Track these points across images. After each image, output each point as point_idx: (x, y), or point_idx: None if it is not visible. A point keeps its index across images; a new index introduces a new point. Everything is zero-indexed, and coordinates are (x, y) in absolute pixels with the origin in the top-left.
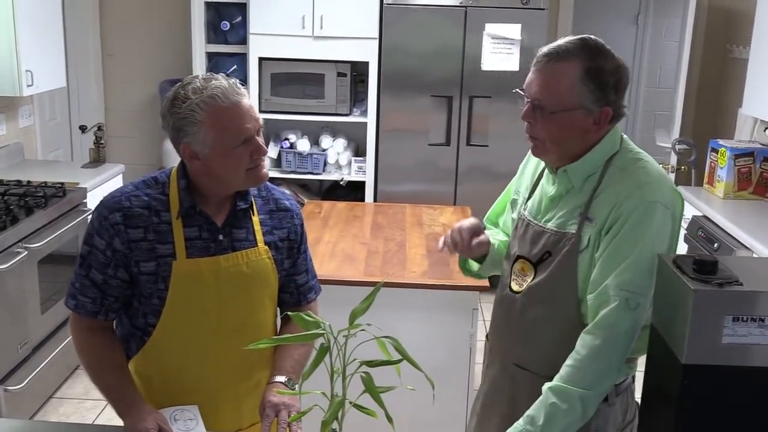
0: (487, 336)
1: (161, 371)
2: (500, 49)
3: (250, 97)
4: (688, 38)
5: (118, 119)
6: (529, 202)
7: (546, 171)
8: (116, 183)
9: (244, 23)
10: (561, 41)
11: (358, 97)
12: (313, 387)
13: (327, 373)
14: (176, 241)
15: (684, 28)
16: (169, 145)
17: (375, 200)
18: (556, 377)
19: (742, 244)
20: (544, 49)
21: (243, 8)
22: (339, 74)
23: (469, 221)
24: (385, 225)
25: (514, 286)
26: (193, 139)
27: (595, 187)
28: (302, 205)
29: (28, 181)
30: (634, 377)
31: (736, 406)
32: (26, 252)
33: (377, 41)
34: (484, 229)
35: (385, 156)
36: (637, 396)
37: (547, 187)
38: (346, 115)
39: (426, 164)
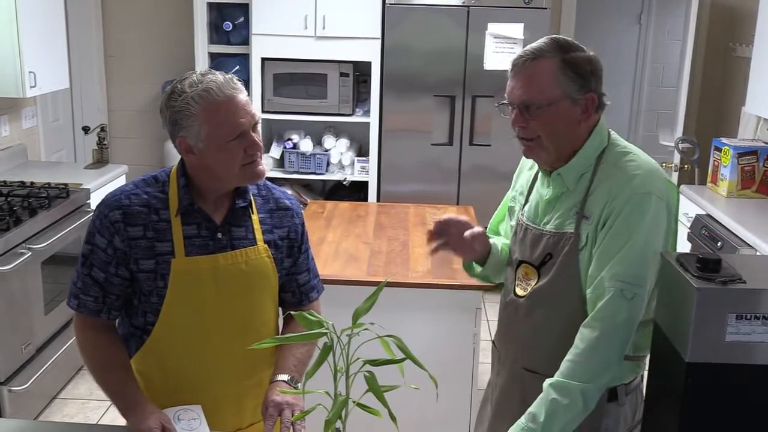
0: (494, 342)
1: (161, 370)
2: (503, 49)
3: (253, 98)
4: (691, 37)
5: (121, 120)
6: (526, 207)
7: (540, 175)
8: (119, 184)
9: (246, 24)
10: (531, 45)
11: (360, 97)
12: (317, 386)
13: (330, 373)
14: (175, 239)
15: (687, 26)
16: (171, 146)
17: (378, 200)
18: (557, 373)
19: (746, 243)
20: (518, 54)
21: (245, 9)
22: (342, 74)
23: (458, 216)
24: (388, 225)
25: (519, 291)
26: (188, 133)
27: (589, 185)
28: (305, 205)
29: (32, 183)
30: (642, 377)
31: (740, 403)
32: (30, 253)
33: (380, 41)
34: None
35: (387, 156)
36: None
37: (542, 191)
38: (348, 115)
39: (429, 164)
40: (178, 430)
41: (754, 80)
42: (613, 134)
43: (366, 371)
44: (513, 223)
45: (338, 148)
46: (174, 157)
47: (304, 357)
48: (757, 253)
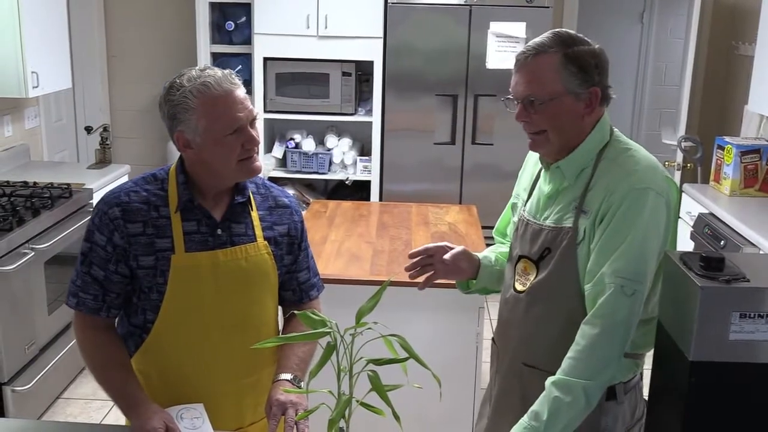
0: (493, 339)
1: (161, 369)
2: (505, 48)
3: (255, 97)
4: (694, 35)
5: (124, 120)
6: (528, 203)
7: (542, 171)
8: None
9: (248, 23)
10: (535, 39)
11: (363, 97)
12: (320, 385)
13: (334, 372)
14: (174, 236)
15: (689, 25)
16: (174, 145)
17: (380, 199)
18: (558, 371)
19: (749, 241)
20: (522, 53)
21: (247, 8)
22: (344, 74)
23: (434, 244)
24: (391, 224)
25: (518, 286)
26: (186, 127)
27: (588, 180)
28: (308, 204)
29: (35, 183)
30: (642, 375)
31: (744, 402)
32: (33, 253)
33: (382, 40)
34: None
35: (390, 155)
36: (645, 393)
37: (544, 186)
38: (351, 114)
39: (431, 163)
40: (181, 429)
41: (757, 78)
42: (616, 131)
43: (369, 370)
44: (515, 219)
45: (340, 148)
46: (176, 157)
47: (306, 356)
48: (761, 252)
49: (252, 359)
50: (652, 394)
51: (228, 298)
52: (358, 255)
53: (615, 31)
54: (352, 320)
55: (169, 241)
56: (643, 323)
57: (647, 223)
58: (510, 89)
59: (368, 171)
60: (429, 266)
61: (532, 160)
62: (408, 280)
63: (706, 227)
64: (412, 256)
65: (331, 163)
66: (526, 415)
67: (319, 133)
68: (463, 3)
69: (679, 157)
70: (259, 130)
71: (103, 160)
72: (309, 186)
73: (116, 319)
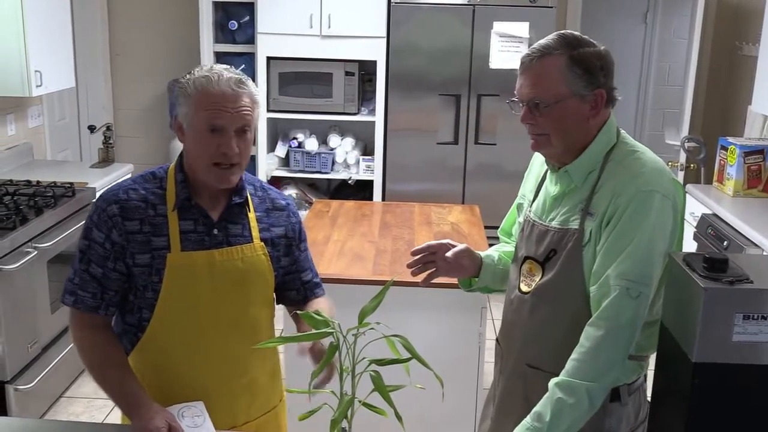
0: (497, 340)
1: (155, 368)
2: (508, 48)
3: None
4: (697, 36)
5: (127, 119)
6: (534, 204)
7: (548, 172)
8: None
9: (252, 22)
10: (540, 41)
11: (366, 96)
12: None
13: (336, 372)
14: (171, 234)
15: (693, 25)
16: (177, 144)
17: (383, 199)
18: (562, 372)
19: (752, 242)
20: (526, 51)
21: (251, 8)
22: (347, 73)
23: (437, 241)
24: (394, 224)
25: (523, 287)
26: (180, 112)
27: (595, 182)
28: (310, 204)
29: (38, 181)
30: (646, 376)
31: (747, 404)
32: (36, 252)
33: (385, 40)
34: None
35: (393, 155)
36: (649, 395)
37: (550, 188)
38: (354, 114)
39: (434, 163)
40: (183, 427)
41: (760, 79)
42: (623, 133)
43: (372, 371)
44: (521, 219)
45: (343, 147)
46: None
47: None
48: (764, 253)
49: (246, 359)
50: (655, 396)
51: (223, 297)
52: (361, 255)
53: (618, 31)
54: (355, 320)
55: (166, 240)
56: (648, 325)
57: (654, 225)
58: (515, 91)
59: (371, 171)
60: (431, 263)
61: (539, 161)
62: (411, 280)
63: (709, 228)
64: (414, 253)
65: (333, 162)
66: (529, 416)
67: (322, 132)
68: (466, 3)
69: (683, 157)
70: (262, 130)
71: (106, 159)
72: (312, 185)
73: (113, 319)
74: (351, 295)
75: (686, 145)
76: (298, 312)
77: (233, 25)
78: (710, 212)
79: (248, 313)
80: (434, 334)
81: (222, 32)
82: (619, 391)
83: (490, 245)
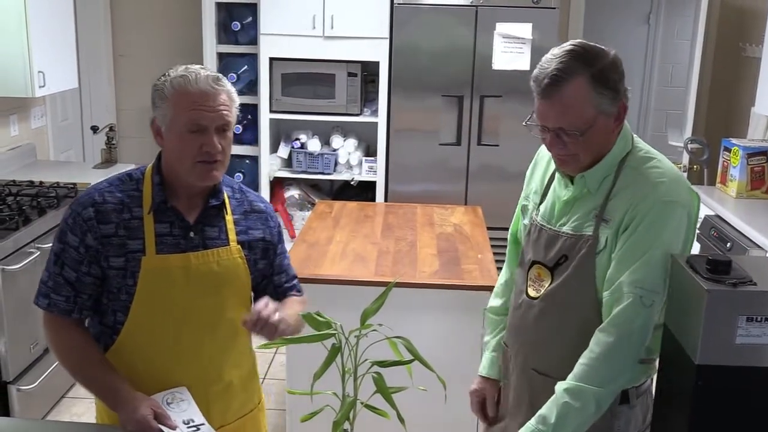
0: (504, 343)
1: (131, 371)
2: (511, 49)
3: (261, 97)
4: (701, 37)
5: (130, 120)
6: (541, 207)
7: (557, 175)
8: None
9: (254, 23)
10: (552, 63)
11: (368, 97)
12: (325, 387)
13: (338, 374)
14: (146, 237)
15: (696, 26)
16: None
17: (386, 200)
18: (570, 376)
19: (756, 244)
20: (545, 79)
21: (254, 8)
22: (349, 74)
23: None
24: (396, 225)
25: (531, 292)
26: (158, 114)
27: (610, 188)
28: (313, 205)
29: (41, 182)
30: (653, 379)
31: (750, 406)
32: (39, 252)
33: (388, 41)
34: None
35: (395, 156)
36: None
37: (560, 191)
38: (356, 115)
39: (437, 164)
40: (169, 413)
41: (764, 80)
42: (635, 137)
43: (374, 372)
44: (526, 222)
45: (346, 148)
46: None
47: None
48: (767, 255)
49: (221, 362)
50: (659, 398)
51: (199, 301)
52: (363, 256)
53: (621, 32)
54: (357, 321)
55: (141, 243)
56: (657, 328)
57: (671, 236)
58: (536, 115)
59: (373, 171)
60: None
61: (544, 160)
62: (413, 281)
63: (713, 229)
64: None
65: (336, 163)
66: (533, 419)
67: (324, 133)
68: (469, 4)
69: (686, 158)
70: (265, 131)
71: (108, 160)
72: (314, 186)
73: (87, 320)
74: (353, 297)
75: (689, 146)
76: (300, 314)
77: (236, 26)
78: (713, 214)
79: (224, 316)
80: (437, 336)
81: (225, 33)
82: (628, 393)
83: (493, 246)
